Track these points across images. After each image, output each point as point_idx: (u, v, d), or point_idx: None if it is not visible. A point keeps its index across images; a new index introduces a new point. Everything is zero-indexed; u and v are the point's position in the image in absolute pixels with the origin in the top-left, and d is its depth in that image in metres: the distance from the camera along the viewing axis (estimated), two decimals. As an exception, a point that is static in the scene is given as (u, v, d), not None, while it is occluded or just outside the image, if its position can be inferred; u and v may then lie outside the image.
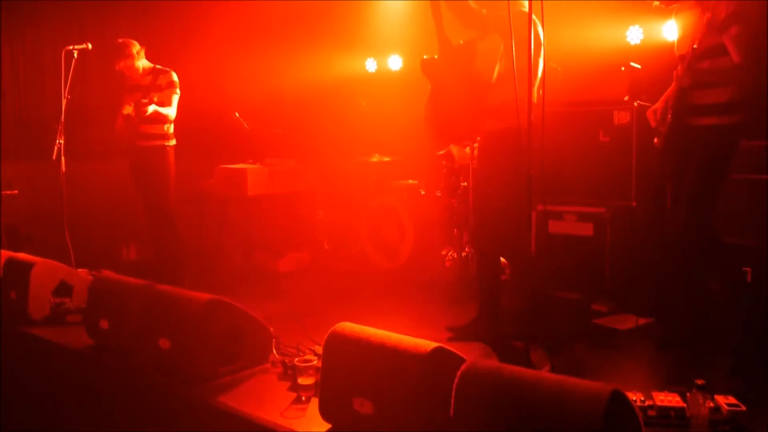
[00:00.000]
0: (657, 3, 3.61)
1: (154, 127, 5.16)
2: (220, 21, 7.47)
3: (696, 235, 3.32)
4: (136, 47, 5.21)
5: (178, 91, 5.20)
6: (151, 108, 4.95)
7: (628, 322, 3.93)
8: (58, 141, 5.14)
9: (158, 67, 5.29)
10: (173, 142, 5.27)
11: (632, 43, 5.24)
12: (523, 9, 3.64)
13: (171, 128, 5.26)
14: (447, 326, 3.96)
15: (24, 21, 7.74)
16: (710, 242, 3.33)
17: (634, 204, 4.35)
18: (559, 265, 4.55)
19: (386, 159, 6.32)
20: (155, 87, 5.19)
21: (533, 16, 3.08)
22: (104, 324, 3.49)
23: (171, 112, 5.13)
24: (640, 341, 3.71)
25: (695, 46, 3.22)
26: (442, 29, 3.87)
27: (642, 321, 3.92)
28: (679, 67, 3.39)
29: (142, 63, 5.25)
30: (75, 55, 5.15)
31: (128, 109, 5.08)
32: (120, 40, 5.21)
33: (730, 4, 3.22)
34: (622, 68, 4.50)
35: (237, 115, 5.36)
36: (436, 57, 3.98)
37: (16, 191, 6.54)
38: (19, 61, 7.74)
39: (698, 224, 3.32)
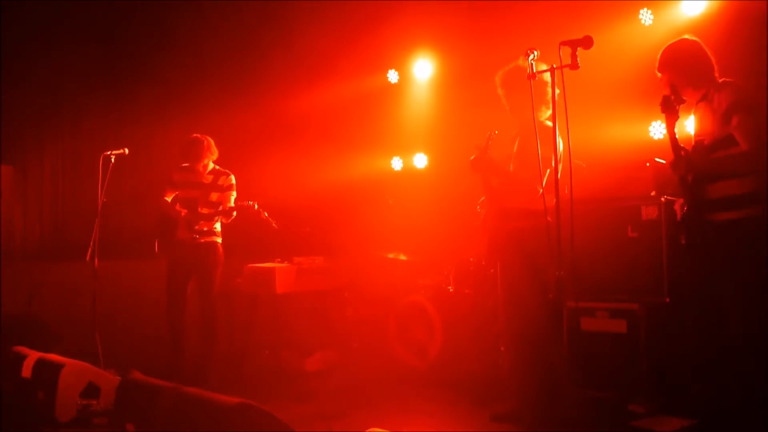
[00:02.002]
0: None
1: (209, 224, 5.32)
2: (247, 121, 7.74)
3: (757, 347, 3.20)
4: (211, 144, 5.44)
5: (235, 193, 5.41)
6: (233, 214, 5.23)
7: (669, 425, 3.77)
8: (92, 241, 5.27)
9: (218, 168, 5.51)
10: (220, 239, 5.42)
11: (656, 138, 5.29)
12: (548, 123, 3.75)
13: (220, 226, 5.41)
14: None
15: (64, 127, 8.10)
16: None
17: (666, 300, 4.27)
18: (591, 364, 4.43)
19: (411, 257, 6.32)
20: (216, 187, 5.41)
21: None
22: (130, 427, 3.44)
23: (234, 212, 5.31)
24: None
25: (703, 140, 3.25)
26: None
27: (686, 423, 3.75)
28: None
29: (210, 160, 5.48)
30: (112, 160, 5.35)
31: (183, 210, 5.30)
32: (196, 136, 5.45)
33: (730, 95, 3.28)
34: (647, 164, 4.53)
35: (266, 214, 5.46)
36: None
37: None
38: (59, 163, 8.05)
39: (758, 333, 3.20)
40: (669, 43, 3.64)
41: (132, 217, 7.26)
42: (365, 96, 7.36)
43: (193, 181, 5.44)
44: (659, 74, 3.64)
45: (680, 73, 3.54)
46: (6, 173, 6.25)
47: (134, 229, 6.78)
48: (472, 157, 4.05)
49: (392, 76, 7.41)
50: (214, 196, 5.41)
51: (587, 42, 3.19)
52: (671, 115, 3.26)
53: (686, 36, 3.63)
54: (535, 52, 3.41)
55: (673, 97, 3.25)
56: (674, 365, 4.18)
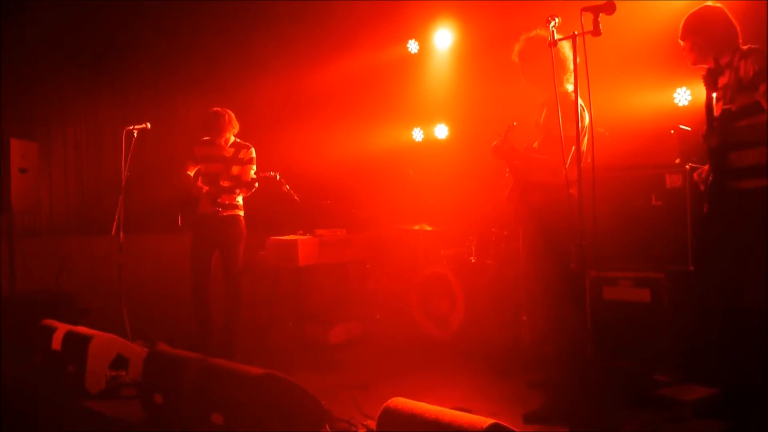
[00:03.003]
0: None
1: (231, 197, 5.36)
2: (269, 93, 7.74)
3: None
4: (232, 118, 5.47)
5: (255, 166, 5.44)
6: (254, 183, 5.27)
7: (693, 393, 3.76)
8: (117, 216, 5.34)
9: (239, 141, 5.53)
10: (243, 212, 5.46)
11: (680, 104, 5.20)
12: (570, 92, 3.70)
13: (242, 199, 5.47)
14: (520, 411, 3.79)
15: (87, 103, 8.16)
16: None
17: (691, 268, 4.23)
18: (615, 333, 4.41)
19: (435, 228, 6.32)
20: (237, 160, 5.44)
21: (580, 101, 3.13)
22: (158, 398, 3.51)
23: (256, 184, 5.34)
24: (709, 413, 3.54)
25: (730, 107, 3.19)
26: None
27: (710, 391, 3.74)
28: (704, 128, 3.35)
29: (232, 134, 5.50)
30: (135, 135, 5.39)
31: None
32: (217, 110, 5.46)
33: (756, 62, 3.20)
34: (672, 131, 4.46)
35: (287, 187, 5.48)
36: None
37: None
38: (82, 139, 8.12)
39: None
40: (692, 9, 3.56)
41: (155, 191, 7.33)
42: (385, 67, 7.32)
43: (214, 154, 5.47)
44: (682, 42, 3.57)
45: (704, 40, 3.47)
46: (31, 150, 6.32)
47: (158, 203, 6.84)
48: (493, 144, 4.02)
49: (412, 46, 7.35)
50: (236, 170, 5.44)
51: (610, 7, 3.12)
52: (711, 88, 3.21)
53: (709, 2, 3.55)
54: (556, 19, 3.35)
55: (716, 69, 3.19)
56: (698, 334, 4.16)
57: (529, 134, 4.17)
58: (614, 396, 3.80)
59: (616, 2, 3.12)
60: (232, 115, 5.51)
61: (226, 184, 5.35)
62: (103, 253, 6.98)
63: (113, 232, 5.31)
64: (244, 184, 5.30)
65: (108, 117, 8.14)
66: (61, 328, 4.57)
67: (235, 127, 5.53)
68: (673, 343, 4.19)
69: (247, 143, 5.56)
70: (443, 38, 7.07)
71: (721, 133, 3.28)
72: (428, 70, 7.29)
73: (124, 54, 8.15)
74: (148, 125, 5.49)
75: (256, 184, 5.28)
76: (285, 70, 7.81)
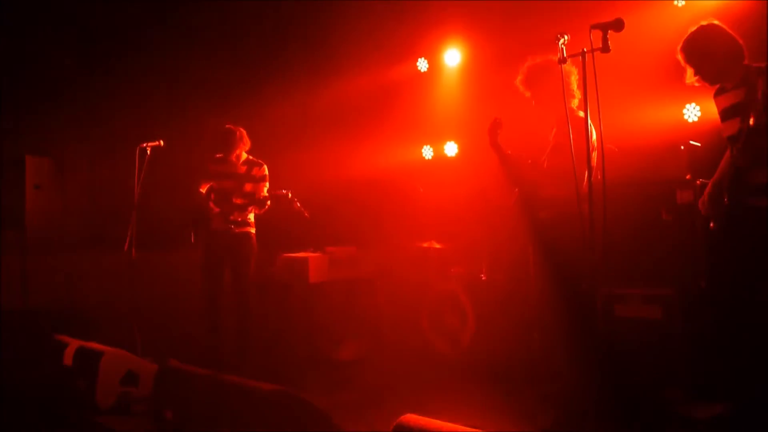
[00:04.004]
0: (695, 82, 3.59)
1: (243, 214, 5.39)
2: (279, 111, 7.79)
3: None
4: (244, 135, 5.52)
5: (268, 183, 5.47)
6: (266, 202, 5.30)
7: (706, 410, 3.72)
8: (129, 232, 5.37)
9: (251, 158, 5.57)
10: (254, 229, 5.49)
11: (690, 120, 5.20)
12: (580, 113, 3.71)
13: (253, 216, 5.50)
14: (533, 429, 3.78)
15: (100, 119, 8.25)
16: None
17: (703, 285, 4.21)
18: (627, 350, 4.38)
19: (445, 245, 6.32)
20: (250, 177, 5.47)
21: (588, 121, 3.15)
22: (169, 414, 3.51)
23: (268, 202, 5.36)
24: (721, 430, 3.50)
25: (751, 124, 3.16)
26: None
27: (723, 408, 3.71)
28: (732, 148, 3.33)
29: (244, 151, 5.55)
30: (148, 152, 5.44)
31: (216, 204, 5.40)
32: (229, 127, 5.51)
33: None
34: (682, 147, 4.46)
35: (298, 204, 5.51)
36: None
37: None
38: (96, 157, 8.20)
39: None
40: (689, 32, 3.55)
41: (168, 208, 7.37)
42: (395, 85, 7.36)
43: (227, 171, 5.50)
44: (688, 69, 3.56)
45: (709, 67, 3.46)
46: (45, 166, 6.39)
47: (170, 220, 6.89)
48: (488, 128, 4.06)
49: (422, 64, 7.39)
50: (249, 187, 5.47)
51: (618, 24, 3.14)
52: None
53: (704, 22, 3.54)
54: (565, 36, 3.37)
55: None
56: (710, 350, 4.13)
57: (528, 145, 4.19)
58: (626, 413, 3.77)
59: (625, 19, 3.14)
60: (244, 132, 5.55)
61: (238, 201, 5.38)
62: (115, 268, 7.01)
63: (126, 248, 5.34)
64: (257, 202, 5.33)
65: (121, 134, 8.22)
66: (73, 344, 4.59)
67: (247, 144, 5.57)
68: (685, 360, 4.17)
69: (259, 160, 5.60)
70: (452, 57, 7.11)
71: (755, 154, 3.25)
72: (438, 88, 7.32)
73: (138, 72, 8.24)
74: (162, 143, 5.53)
75: (268, 203, 5.31)
76: (296, 88, 7.86)
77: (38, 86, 7.46)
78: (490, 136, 4.00)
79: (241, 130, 5.54)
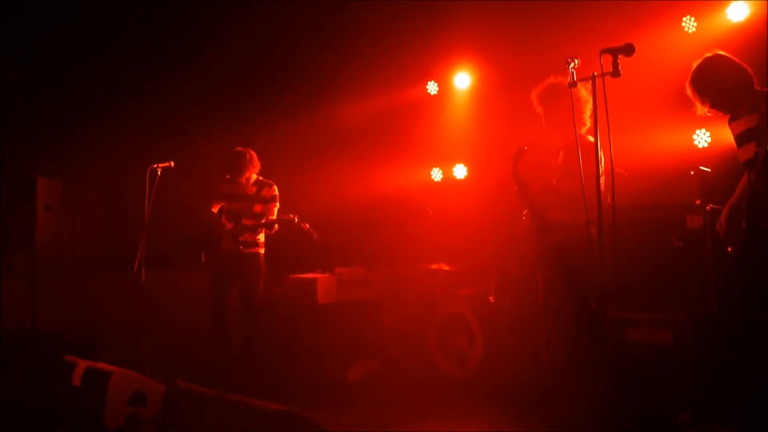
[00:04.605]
0: (707, 113, 3.60)
1: (253, 235, 5.42)
2: (288, 132, 7.84)
3: None
4: (254, 157, 5.57)
5: (278, 204, 5.51)
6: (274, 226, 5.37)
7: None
8: (139, 253, 5.39)
9: (261, 179, 5.61)
10: (263, 250, 5.52)
11: (700, 146, 5.21)
12: (590, 138, 3.73)
13: (263, 237, 5.53)
14: None
15: (109, 140, 8.31)
16: None
17: (714, 310, 4.18)
18: (637, 374, 4.36)
19: (454, 267, 6.31)
20: (260, 198, 5.52)
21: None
22: (177, 435, 3.51)
23: (276, 225, 5.40)
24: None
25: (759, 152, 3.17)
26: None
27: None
28: (749, 173, 3.33)
29: (254, 173, 5.60)
30: (159, 173, 5.48)
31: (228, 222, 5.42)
32: (239, 149, 5.57)
33: None
34: (692, 172, 4.46)
35: (307, 226, 5.53)
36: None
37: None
38: (105, 178, 8.25)
39: None
40: (696, 66, 3.57)
41: (177, 229, 7.40)
42: (405, 108, 7.41)
43: (237, 193, 5.54)
44: (700, 105, 3.58)
45: (721, 99, 3.47)
46: (56, 188, 6.45)
47: (179, 240, 6.91)
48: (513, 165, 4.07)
49: (432, 87, 7.44)
50: (258, 208, 5.51)
51: (629, 49, 3.17)
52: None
53: (708, 54, 3.56)
54: (576, 60, 3.40)
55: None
56: (721, 375, 4.10)
57: (544, 170, 4.20)
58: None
59: (635, 44, 3.16)
60: (254, 154, 5.60)
61: (248, 222, 5.41)
62: (125, 289, 7.03)
63: (135, 268, 5.36)
64: (266, 225, 5.37)
65: (132, 156, 8.28)
66: (82, 364, 4.60)
67: (257, 166, 5.62)
68: (695, 385, 4.13)
69: (269, 181, 5.64)
70: (462, 80, 7.16)
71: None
72: (447, 111, 7.37)
73: (148, 94, 8.32)
74: (172, 164, 5.57)
75: (276, 226, 5.35)
76: (306, 110, 7.92)
77: (48, 110, 7.54)
78: (514, 165, 4.02)
79: (251, 151, 5.60)
